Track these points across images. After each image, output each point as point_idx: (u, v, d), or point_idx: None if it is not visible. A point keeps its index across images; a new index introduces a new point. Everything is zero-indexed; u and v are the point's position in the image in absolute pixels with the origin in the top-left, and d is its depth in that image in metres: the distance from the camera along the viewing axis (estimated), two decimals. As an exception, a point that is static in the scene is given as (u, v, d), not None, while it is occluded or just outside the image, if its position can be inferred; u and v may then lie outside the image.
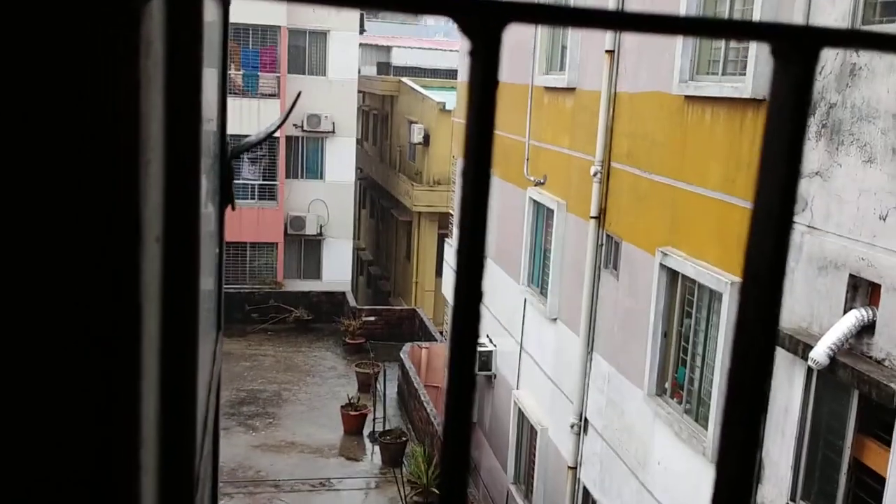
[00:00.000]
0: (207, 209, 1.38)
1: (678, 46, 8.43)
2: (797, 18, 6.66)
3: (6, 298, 0.50)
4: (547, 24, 0.40)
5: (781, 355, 6.76)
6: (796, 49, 0.42)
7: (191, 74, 0.75)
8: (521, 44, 13.11)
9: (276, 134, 24.74)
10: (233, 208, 1.57)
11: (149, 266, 0.57)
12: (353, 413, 17.24)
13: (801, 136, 0.43)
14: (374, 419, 17.07)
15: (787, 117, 0.43)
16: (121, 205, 0.51)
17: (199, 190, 0.78)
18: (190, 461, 0.84)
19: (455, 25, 0.39)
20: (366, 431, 17.28)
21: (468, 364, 0.42)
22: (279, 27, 24.89)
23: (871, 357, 5.90)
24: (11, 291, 0.50)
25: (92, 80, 0.48)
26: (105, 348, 0.52)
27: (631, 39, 9.71)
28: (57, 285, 0.51)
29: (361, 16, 26.80)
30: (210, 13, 1.37)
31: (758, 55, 7.13)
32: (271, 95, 24.98)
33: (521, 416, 13.00)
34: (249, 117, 24.57)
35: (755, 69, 7.15)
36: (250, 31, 24.84)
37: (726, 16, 7.92)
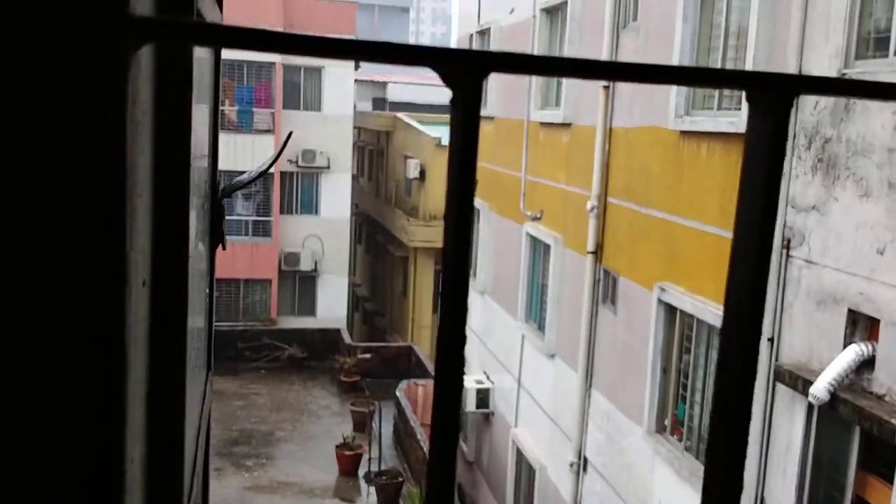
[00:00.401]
0: (198, 248, 1.35)
1: (672, 82, 8.47)
2: (790, 56, 6.69)
3: None
4: (526, 73, 0.42)
5: (782, 391, 6.69)
6: (771, 97, 0.43)
7: (180, 119, 0.74)
8: (516, 79, 13.20)
9: (271, 170, 24.80)
10: (223, 248, 1.53)
11: (136, 310, 0.57)
12: (347, 453, 17.03)
13: (776, 181, 0.44)
14: (369, 459, 16.86)
15: (763, 164, 0.44)
16: (106, 250, 0.51)
17: (188, 233, 0.76)
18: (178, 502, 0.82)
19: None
20: (361, 472, 17.06)
21: (454, 401, 0.43)
22: (274, 63, 25.07)
23: (871, 392, 5.84)
24: None
25: (79, 127, 0.49)
26: (89, 391, 0.53)
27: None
28: (43, 329, 0.51)
29: (357, 53, 27.01)
30: (201, 49, 1.34)
31: (752, 90, 7.16)
32: (266, 131, 25.08)
33: (520, 455, 12.84)
34: (244, 153, 24.63)
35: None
36: (245, 67, 25.01)
37: (720, 53, 7.98)
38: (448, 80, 0.39)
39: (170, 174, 0.70)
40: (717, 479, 0.45)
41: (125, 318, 0.53)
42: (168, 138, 0.69)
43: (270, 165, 2.03)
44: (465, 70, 0.38)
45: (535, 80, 12.39)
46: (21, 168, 0.49)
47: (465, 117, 0.38)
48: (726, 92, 7.96)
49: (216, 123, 1.64)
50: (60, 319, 0.51)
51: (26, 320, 0.50)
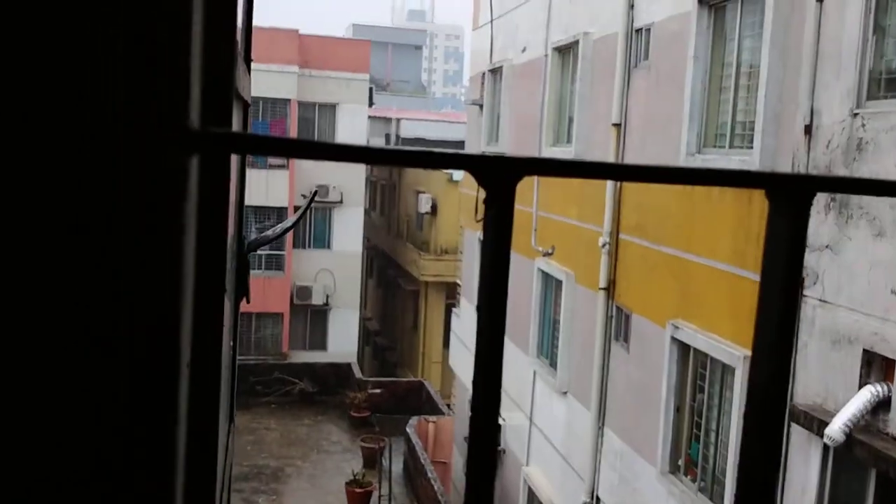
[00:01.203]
0: (226, 306, 1.36)
1: (685, 119, 8.51)
2: (802, 96, 6.71)
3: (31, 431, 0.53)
4: (554, 176, 0.45)
5: (797, 432, 6.61)
6: (791, 195, 0.45)
7: (219, 207, 0.78)
8: (528, 116, 13.28)
9: (285, 204, 24.96)
10: (248, 301, 1.55)
11: (181, 394, 0.59)
12: (358, 490, 16.88)
13: (796, 276, 0.45)
14: (379, 496, 16.71)
15: (783, 259, 0.45)
16: (163, 333, 0.55)
17: (222, 312, 0.79)
18: None
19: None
20: (371, 508, 16.89)
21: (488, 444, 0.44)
22: (289, 100, 25.34)
23: (887, 434, 5.76)
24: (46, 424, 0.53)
25: (142, 231, 0.53)
26: (143, 474, 0.55)
27: (637, 113, 9.81)
28: (103, 417, 0.54)
29: (370, 89, 27.30)
30: (237, 120, 1.38)
31: (764, 128, 7.18)
32: (280, 167, 25.28)
33: (531, 494, 12.70)
34: (258, 188, 24.81)
35: (762, 141, 7.19)
36: (261, 103, 25.29)
37: (732, 93, 8.01)
38: (482, 182, 0.42)
39: (208, 258, 0.73)
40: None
41: (178, 411, 0.56)
42: (207, 225, 0.73)
43: (296, 223, 2.06)
44: (500, 173, 0.42)
45: (547, 117, 12.47)
46: (91, 264, 0.53)
47: (499, 217, 0.42)
48: (738, 130, 7.98)
49: (243, 178, 1.67)
50: (117, 411, 0.53)
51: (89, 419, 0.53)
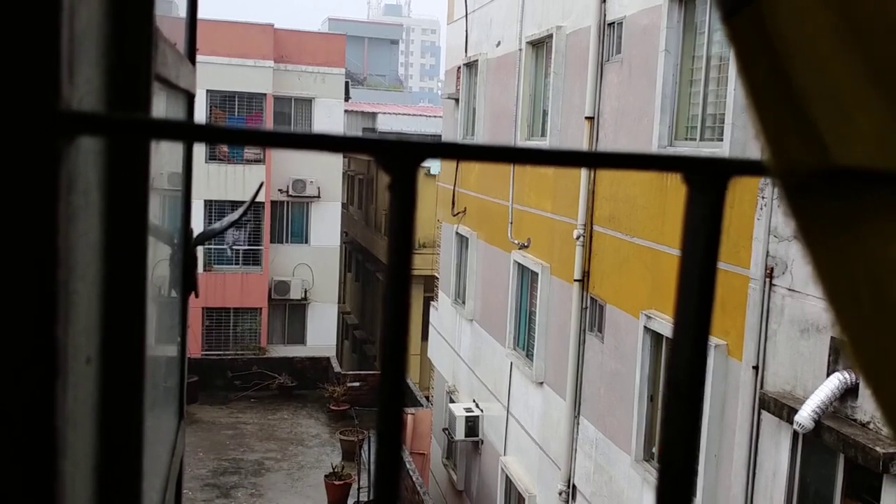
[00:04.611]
0: (171, 297, 1.38)
1: (657, 112, 8.60)
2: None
3: None
4: (454, 159, 0.46)
5: (767, 419, 6.73)
6: (706, 180, 0.45)
7: (134, 194, 0.76)
8: (503, 110, 13.34)
9: (262, 199, 24.86)
10: (196, 295, 1.58)
11: (76, 390, 0.57)
12: (337, 482, 16.91)
13: (713, 258, 0.46)
14: (358, 488, 16.74)
15: (701, 243, 0.46)
16: (35, 337, 0.51)
17: (144, 305, 0.79)
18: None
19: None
20: (350, 501, 16.93)
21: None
22: (265, 94, 25.22)
23: (855, 420, 5.89)
24: None
25: (6, 219, 0.49)
26: (21, 484, 0.52)
27: (610, 106, 9.90)
28: None
29: (346, 83, 27.21)
30: (173, 111, 1.40)
31: (734, 121, 7.28)
32: (256, 161, 25.17)
33: (509, 483, 12.80)
34: (234, 183, 24.68)
35: (732, 134, 7.29)
36: (236, 98, 25.14)
37: (702, 85, 8.11)
38: (384, 166, 0.43)
39: (122, 248, 0.70)
40: (669, 487, 0.47)
41: (54, 403, 0.52)
42: (122, 213, 0.71)
43: (242, 215, 2.07)
44: (399, 157, 0.42)
45: (522, 110, 12.53)
46: None
47: (402, 200, 0.43)
48: (708, 122, 8.08)
49: (190, 169, 1.69)
50: None
51: None
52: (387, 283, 0.43)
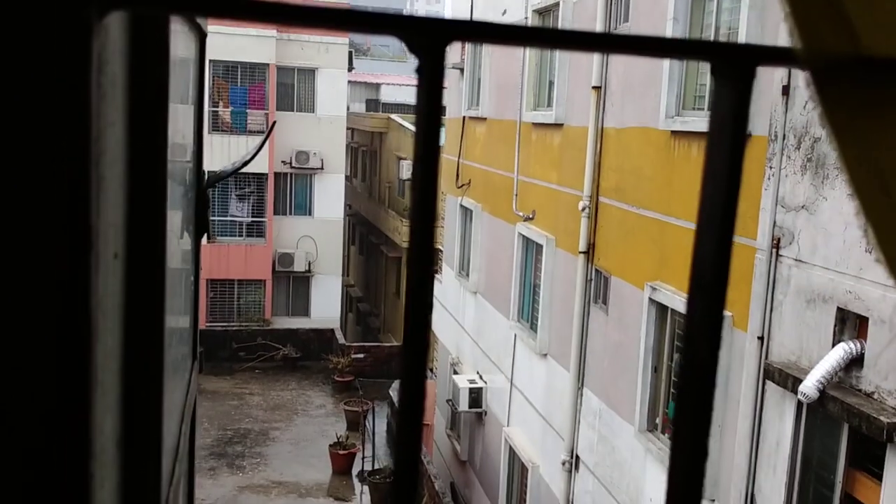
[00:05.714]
0: (183, 238, 1.37)
1: (664, 83, 8.53)
2: (783, 30, 6.73)
3: None
4: (487, 42, 0.43)
5: (772, 389, 6.74)
6: (734, 67, 0.44)
7: (156, 93, 0.74)
8: (509, 80, 13.24)
9: (265, 171, 24.80)
10: (209, 239, 1.56)
11: (106, 280, 0.57)
12: (341, 452, 17.04)
13: (740, 151, 0.45)
14: (363, 458, 16.88)
15: (728, 134, 0.45)
16: (72, 217, 0.51)
17: (164, 209, 0.78)
18: (155, 483, 0.82)
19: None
20: (355, 471, 17.07)
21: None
22: (267, 65, 25.06)
23: (860, 390, 5.89)
24: None
25: (41, 95, 0.49)
26: (52, 363, 0.52)
27: (617, 76, 9.81)
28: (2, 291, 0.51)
29: (350, 53, 27.02)
30: (185, 49, 1.37)
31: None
32: (260, 132, 25.07)
33: (512, 454, 12.88)
34: (238, 153, 24.57)
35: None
36: (238, 69, 24.99)
37: (713, 27, 8.03)
38: (413, 48, 0.41)
39: (146, 148, 0.70)
40: (683, 455, 0.46)
41: (90, 288, 0.52)
42: (143, 112, 0.69)
43: (254, 155, 2.06)
44: (429, 37, 0.40)
45: (528, 81, 12.43)
46: None
47: (430, 83, 0.41)
48: (717, 92, 8.00)
49: (201, 116, 1.66)
50: (20, 289, 0.50)
51: None
52: (413, 168, 0.42)
